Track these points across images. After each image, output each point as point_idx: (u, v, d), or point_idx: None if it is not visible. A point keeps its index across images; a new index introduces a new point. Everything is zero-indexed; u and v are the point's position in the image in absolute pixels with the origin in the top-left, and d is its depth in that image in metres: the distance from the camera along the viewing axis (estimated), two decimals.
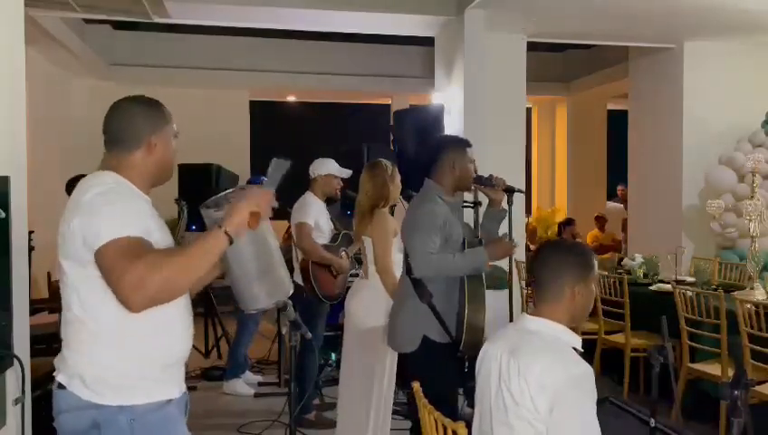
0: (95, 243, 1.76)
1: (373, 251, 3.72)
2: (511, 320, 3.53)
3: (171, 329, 1.91)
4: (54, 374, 1.91)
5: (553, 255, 2.12)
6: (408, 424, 4.10)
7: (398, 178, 3.85)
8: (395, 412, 3.92)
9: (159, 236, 1.89)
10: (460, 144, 3.23)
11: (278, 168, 2.01)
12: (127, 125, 1.94)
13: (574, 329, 2.08)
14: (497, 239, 3.14)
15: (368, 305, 3.69)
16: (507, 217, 3.38)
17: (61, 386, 1.88)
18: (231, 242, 1.83)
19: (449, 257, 2.99)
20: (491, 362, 2.06)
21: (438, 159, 3.16)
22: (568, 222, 9.63)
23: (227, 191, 2.11)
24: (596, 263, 2.10)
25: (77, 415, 1.84)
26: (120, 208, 1.81)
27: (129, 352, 1.84)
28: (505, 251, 3.11)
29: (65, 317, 1.89)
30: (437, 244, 2.99)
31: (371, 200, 3.76)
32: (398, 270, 3.57)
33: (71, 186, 5.50)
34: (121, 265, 1.72)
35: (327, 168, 4.73)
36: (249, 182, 5.87)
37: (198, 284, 2.05)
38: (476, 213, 3.26)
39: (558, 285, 2.03)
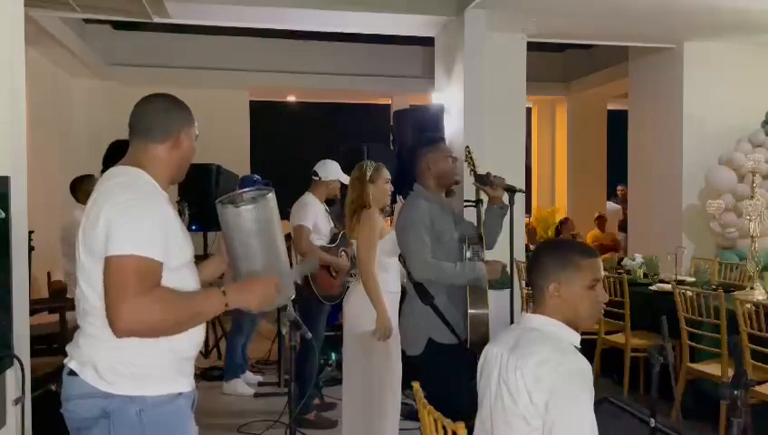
0: (117, 247, 1.77)
1: (357, 252, 3.74)
2: (511, 319, 3.53)
3: None
4: (66, 361, 1.92)
5: (538, 253, 2.14)
6: (410, 424, 4.10)
7: (382, 180, 3.83)
8: None
9: (180, 240, 1.91)
10: (431, 143, 3.28)
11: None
12: (159, 117, 1.99)
13: (571, 325, 2.06)
14: (493, 262, 3.18)
15: (362, 308, 3.67)
16: (508, 217, 3.39)
17: (72, 373, 1.88)
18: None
19: (450, 266, 3.01)
20: (492, 362, 2.06)
21: (415, 162, 3.23)
22: (564, 221, 9.66)
23: (243, 190, 2.13)
24: (583, 262, 2.01)
25: (87, 402, 1.85)
26: (150, 222, 1.82)
27: (143, 343, 1.84)
28: (494, 275, 3.14)
29: (83, 307, 1.90)
30: (429, 244, 3.02)
31: (352, 200, 3.80)
32: (392, 272, 3.59)
33: (75, 186, 5.51)
34: (132, 288, 1.75)
35: (336, 173, 4.77)
36: (243, 180, 5.89)
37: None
38: (479, 211, 3.28)
39: (539, 283, 2.05)
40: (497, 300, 3.72)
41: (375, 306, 3.57)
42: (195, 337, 1.97)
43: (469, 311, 3.00)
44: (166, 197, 1.97)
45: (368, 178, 3.78)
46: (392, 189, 3.93)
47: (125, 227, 1.79)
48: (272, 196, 2.08)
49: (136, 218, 1.80)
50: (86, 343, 1.88)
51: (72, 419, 1.90)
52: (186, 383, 1.96)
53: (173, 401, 1.91)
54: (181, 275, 1.91)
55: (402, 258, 3.22)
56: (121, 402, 1.83)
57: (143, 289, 1.75)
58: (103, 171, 2.67)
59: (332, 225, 4.82)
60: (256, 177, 5.84)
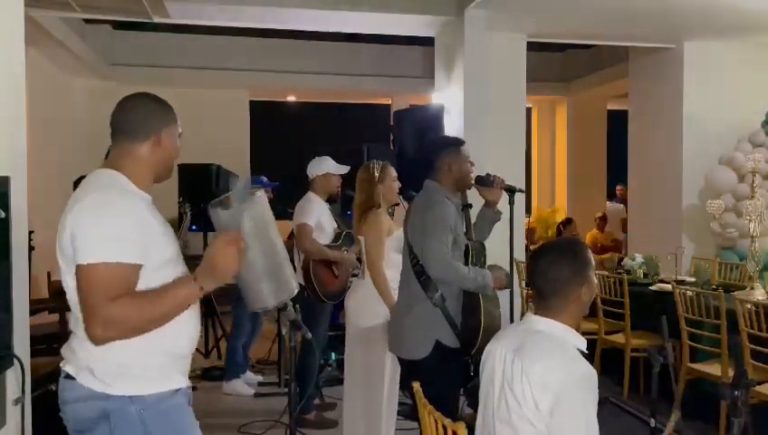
0: (84, 256, 1.76)
1: (365, 251, 3.76)
2: (511, 319, 3.53)
3: (180, 321, 1.90)
4: (62, 365, 1.92)
5: (550, 265, 2.06)
6: (410, 424, 4.11)
7: (389, 178, 3.86)
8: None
9: (159, 239, 1.89)
10: (453, 145, 3.24)
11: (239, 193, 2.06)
12: (139, 116, 1.97)
13: (575, 327, 2.07)
14: (499, 269, 3.14)
15: (364, 304, 3.72)
16: (509, 218, 3.38)
17: (69, 376, 1.88)
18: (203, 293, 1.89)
19: (465, 269, 2.99)
20: (495, 361, 2.06)
21: (434, 161, 3.17)
22: (567, 222, 9.62)
23: (234, 190, 2.13)
24: (590, 254, 2.10)
25: (85, 405, 1.86)
26: (120, 225, 1.80)
27: (138, 343, 1.83)
28: (500, 284, 3.11)
29: (73, 311, 1.89)
30: (450, 244, 3.00)
31: (361, 202, 3.83)
32: (395, 270, 3.57)
33: (77, 186, 5.49)
34: (102, 296, 1.74)
35: (324, 167, 4.73)
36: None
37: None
38: (467, 215, 3.26)
39: (563, 294, 2.02)
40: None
41: (385, 302, 3.60)
42: (189, 334, 1.97)
43: (483, 320, 2.94)
44: (144, 197, 1.94)
45: (376, 178, 3.81)
46: (399, 186, 3.94)
47: (92, 233, 1.77)
48: (261, 193, 2.07)
49: (103, 223, 1.78)
50: (79, 347, 1.87)
51: (72, 421, 1.90)
52: (182, 380, 1.97)
53: (172, 398, 1.92)
54: (163, 273, 1.88)
55: (412, 254, 3.10)
56: (121, 403, 1.84)
57: (116, 295, 1.74)
58: None
59: (336, 225, 4.80)
60: (264, 179, 5.78)
